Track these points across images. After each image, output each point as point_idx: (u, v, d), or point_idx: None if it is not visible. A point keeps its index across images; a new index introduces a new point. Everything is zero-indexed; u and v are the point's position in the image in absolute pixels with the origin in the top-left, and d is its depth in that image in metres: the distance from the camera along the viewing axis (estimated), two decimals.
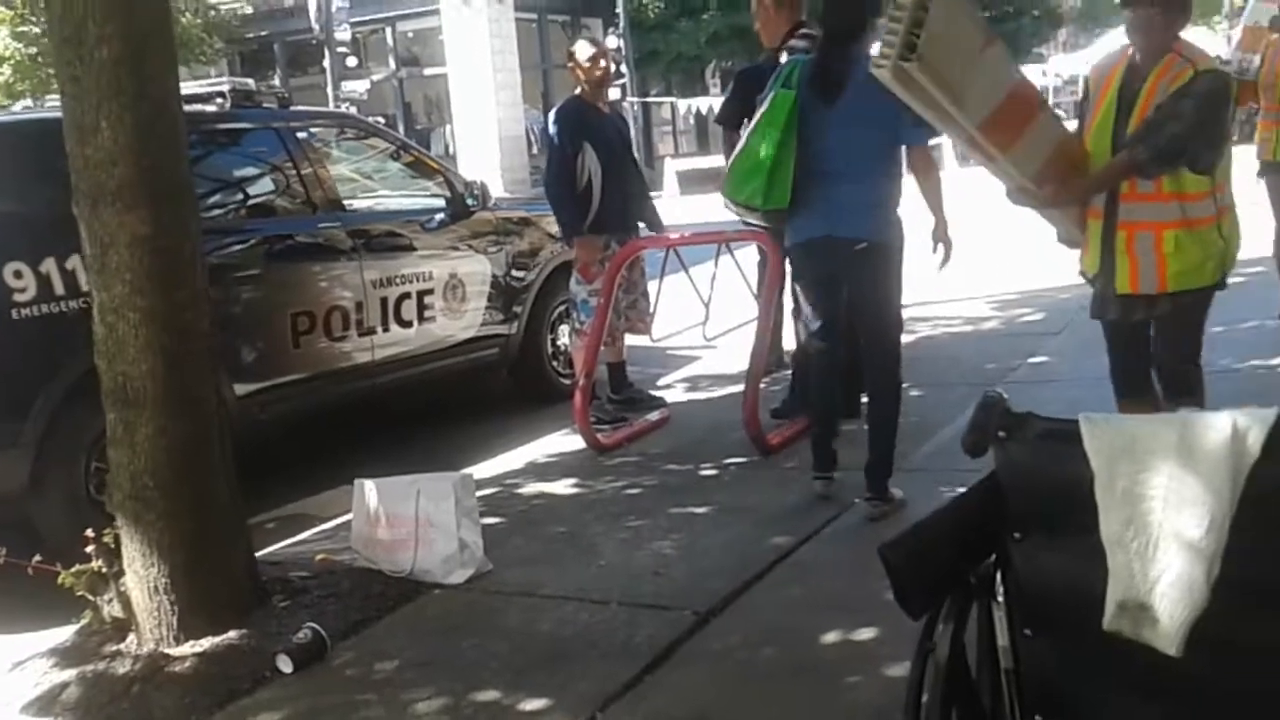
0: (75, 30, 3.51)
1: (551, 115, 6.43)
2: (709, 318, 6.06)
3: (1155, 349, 3.93)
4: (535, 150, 25.47)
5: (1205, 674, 1.68)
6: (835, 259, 4.51)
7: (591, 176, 6.10)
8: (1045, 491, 1.78)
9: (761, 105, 4.59)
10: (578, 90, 6.37)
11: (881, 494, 4.46)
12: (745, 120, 5.54)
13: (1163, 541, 1.65)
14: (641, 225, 6.47)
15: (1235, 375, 5.69)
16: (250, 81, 6.82)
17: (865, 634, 3.43)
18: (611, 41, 28.51)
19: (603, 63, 6.23)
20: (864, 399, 4.91)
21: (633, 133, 24.44)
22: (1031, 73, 30.96)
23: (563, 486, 5.24)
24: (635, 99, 27.11)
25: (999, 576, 1.84)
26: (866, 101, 4.20)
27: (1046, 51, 40.14)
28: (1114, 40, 27.04)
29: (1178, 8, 3.63)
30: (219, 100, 6.02)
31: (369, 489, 4.32)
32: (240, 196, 6.14)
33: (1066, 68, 29.44)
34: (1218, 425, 1.64)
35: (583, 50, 6.28)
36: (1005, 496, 1.79)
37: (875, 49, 3.72)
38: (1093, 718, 1.79)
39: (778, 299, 5.82)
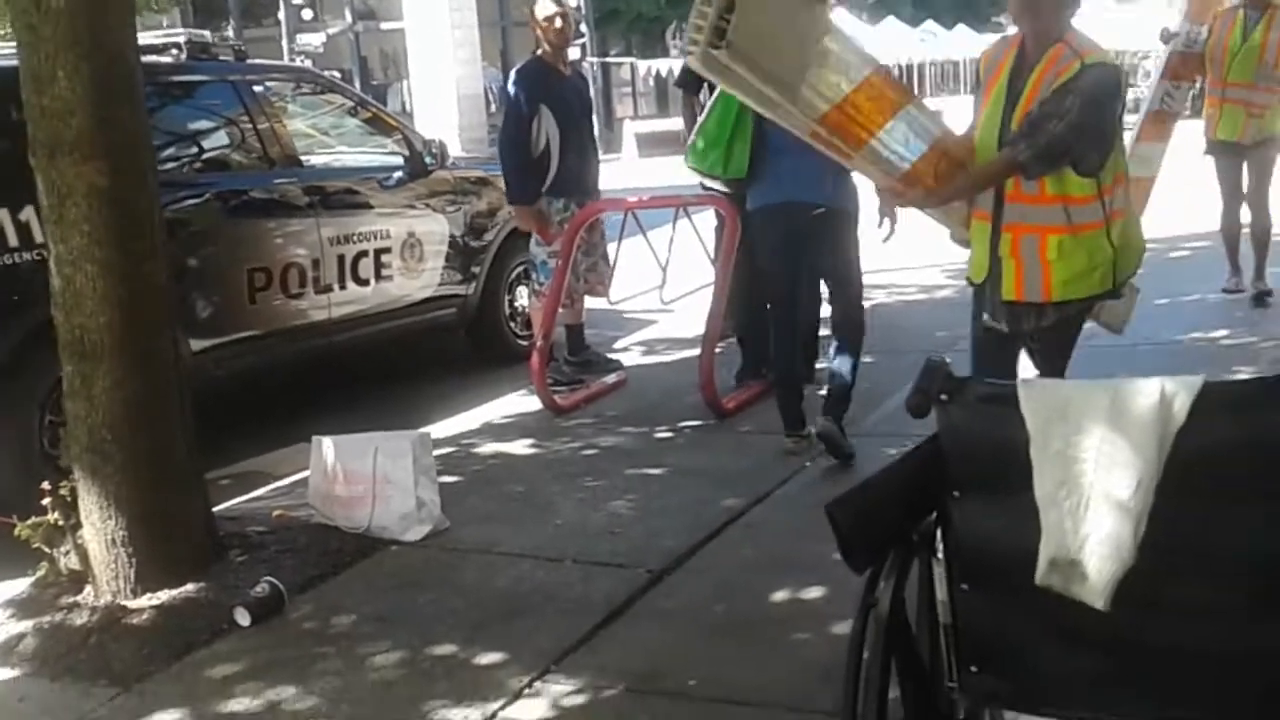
0: None
1: (511, 75, 6.41)
2: (666, 281, 6.11)
3: (1035, 363, 3.68)
4: (493, 109, 25.27)
5: (1131, 629, 1.77)
6: (795, 224, 4.61)
7: (549, 140, 6.09)
8: (984, 452, 1.85)
9: None
10: (538, 50, 6.36)
11: (838, 420, 4.69)
12: (705, 85, 5.57)
13: (1093, 501, 1.73)
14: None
15: (1177, 347, 5.83)
16: (206, 33, 6.75)
17: (813, 593, 3.52)
18: (571, 0, 28.30)
19: (560, 22, 6.20)
20: (820, 363, 5.03)
21: (592, 94, 24.27)
22: (989, 42, 31.27)
23: (520, 447, 5.29)
24: (595, 59, 26.95)
25: (939, 534, 1.91)
26: None
27: (1005, 21, 40.34)
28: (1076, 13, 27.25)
29: None
30: (174, 52, 5.95)
31: (327, 446, 4.34)
32: (195, 150, 6.09)
33: None
34: (1147, 391, 1.72)
35: (542, 8, 6.24)
36: (946, 457, 1.87)
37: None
38: (1025, 669, 1.88)
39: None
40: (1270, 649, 1.71)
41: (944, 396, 1.85)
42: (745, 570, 3.78)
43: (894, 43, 28.98)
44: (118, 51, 3.66)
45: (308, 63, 24.66)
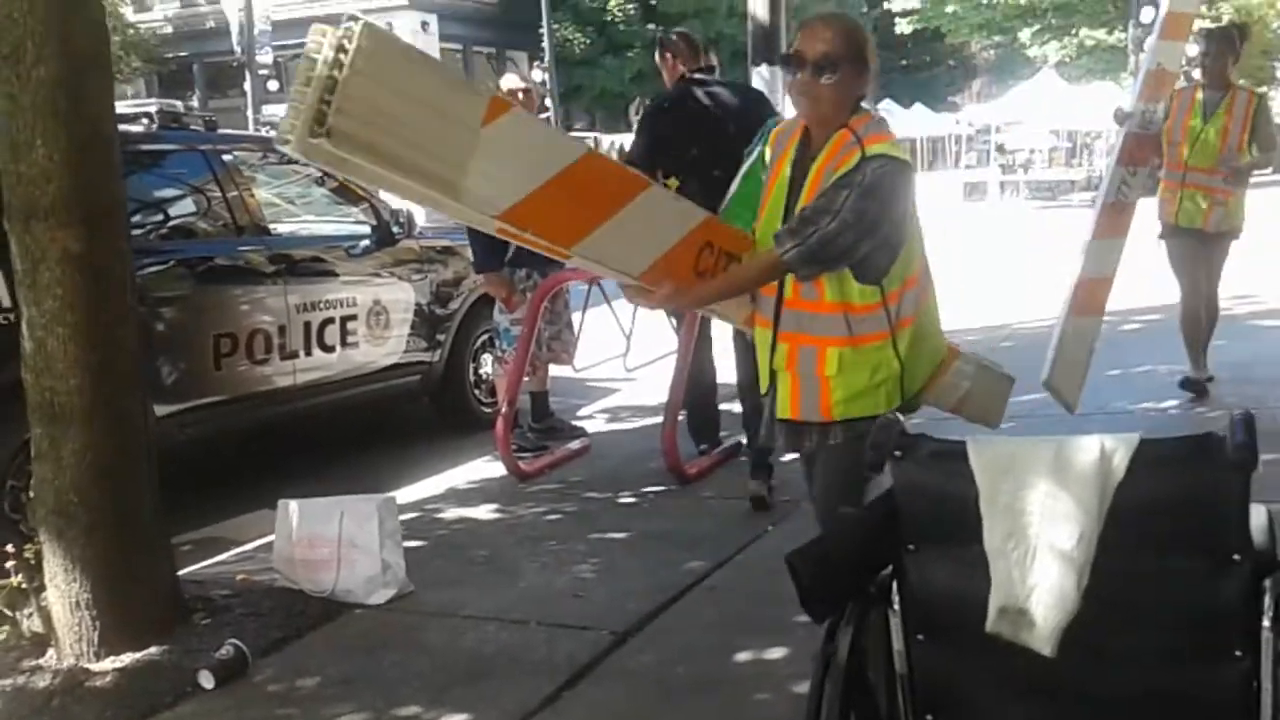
0: (14, 49, 3.55)
1: None
2: (630, 349, 6.21)
3: (812, 492, 3.25)
4: None
5: (1076, 675, 1.85)
6: None
7: None
8: (936, 506, 1.94)
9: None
10: None
11: None
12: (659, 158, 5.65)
13: (1039, 552, 1.83)
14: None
15: (1129, 418, 5.97)
16: (178, 103, 6.86)
17: (774, 653, 3.58)
18: (537, 75, 28.76)
19: (522, 98, 6.35)
20: None
21: None
22: (944, 122, 31.93)
23: (484, 512, 5.33)
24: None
25: (895, 586, 1.99)
26: None
27: (961, 101, 41.33)
28: (1026, 92, 28.06)
29: (851, 73, 2.89)
30: (145, 121, 6.05)
31: (293, 509, 4.37)
32: (164, 217, 6.14)
33: (980, 117, 30.32)
34: (1088, 447, 1.82)
35: (506, 83, 6.42)
36: (900, 511, 1.96)
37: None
38: (978, 717, 1.96)
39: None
40: (1205, 695, 1.79)
41: (898, 452, 1.94)
42: (708, 632, 3.84)
43: None
44: (96, 121, 3.74)
45: (273, 134, 24.87)
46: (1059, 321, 5.29)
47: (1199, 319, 6.44)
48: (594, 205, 3.06)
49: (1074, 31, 29.34)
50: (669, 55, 5.82)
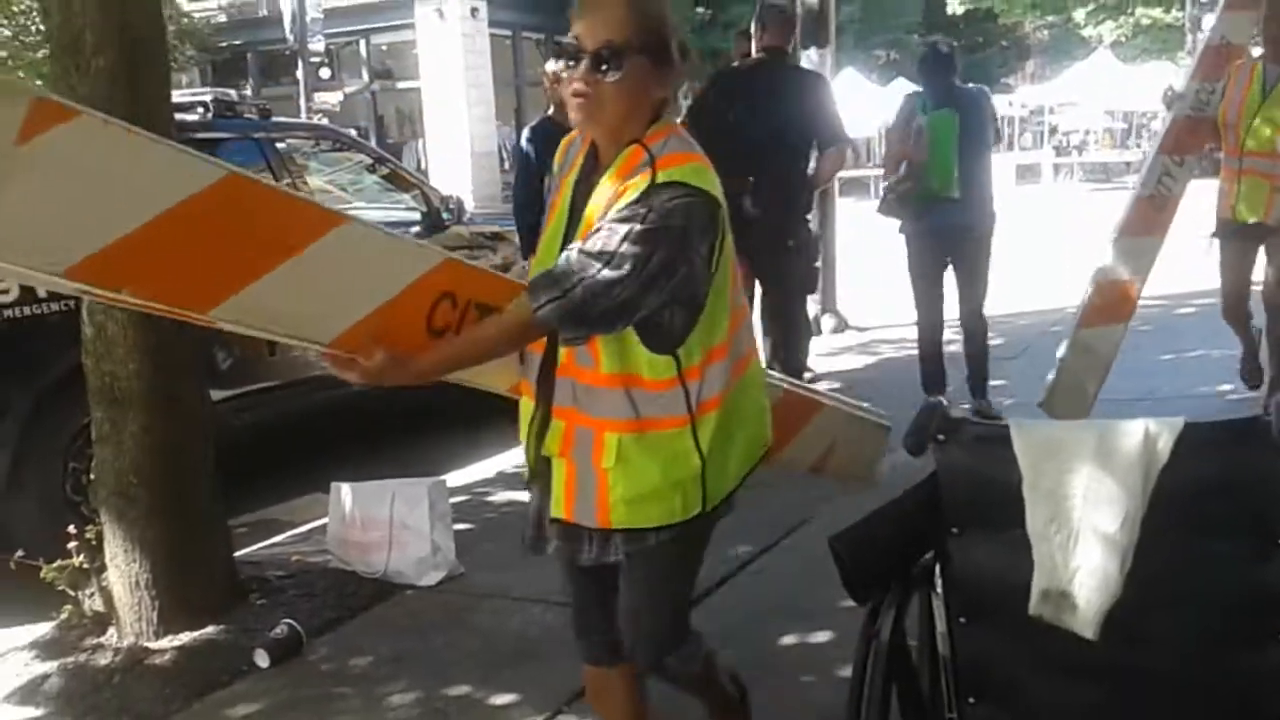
0: (73, 40, 3.63)
1: (524, 133, 6.59)
2: None
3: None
4: (507, 167, 25.61)
5: (1119, 659, 1.86)
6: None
7: None
8: (979, 490, 1.95)
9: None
10: (549, 109, 6.54)
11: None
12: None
13: (1082, 536, 1.83)
14: None
15: (1183, 404, 5.90)
16: (232, 92, 6.95)
17: (819, 637, 3.60)
18: None
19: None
20: None
21: None
22: (997, 104, 31.58)
23: None
24: None
25: (938, 569, 2.01)
26: None
27: (1014, 82, 40.80)
28: (1081, 73, 27.63)
29: (646, 68, 2.16)
30: (201, 110, 6.14)
31: (345, 492, 4.45)
32: None
33: (1033, 98, 29.94)
34: (1132, 431, 1.82)
35: (551, 67, 6.46)
36: (943, 494, 1.97)
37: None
38: (1021, 700, 1.97)
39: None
40: (1249, 679, 1.79)
41: (941, 436, 1.95)
42: (753, 616, 3.85)
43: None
44: (152, 110, 3.80)
45: (325, 121, 25.07)
46: (1065, 334, 4.95)
47: (1243, 314, 5.82)
48: (246, 249, 2.24)
49: (1130, 10, 28.84)
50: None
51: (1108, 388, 6.35)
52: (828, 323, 8.81)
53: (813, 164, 5.96)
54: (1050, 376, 4.77)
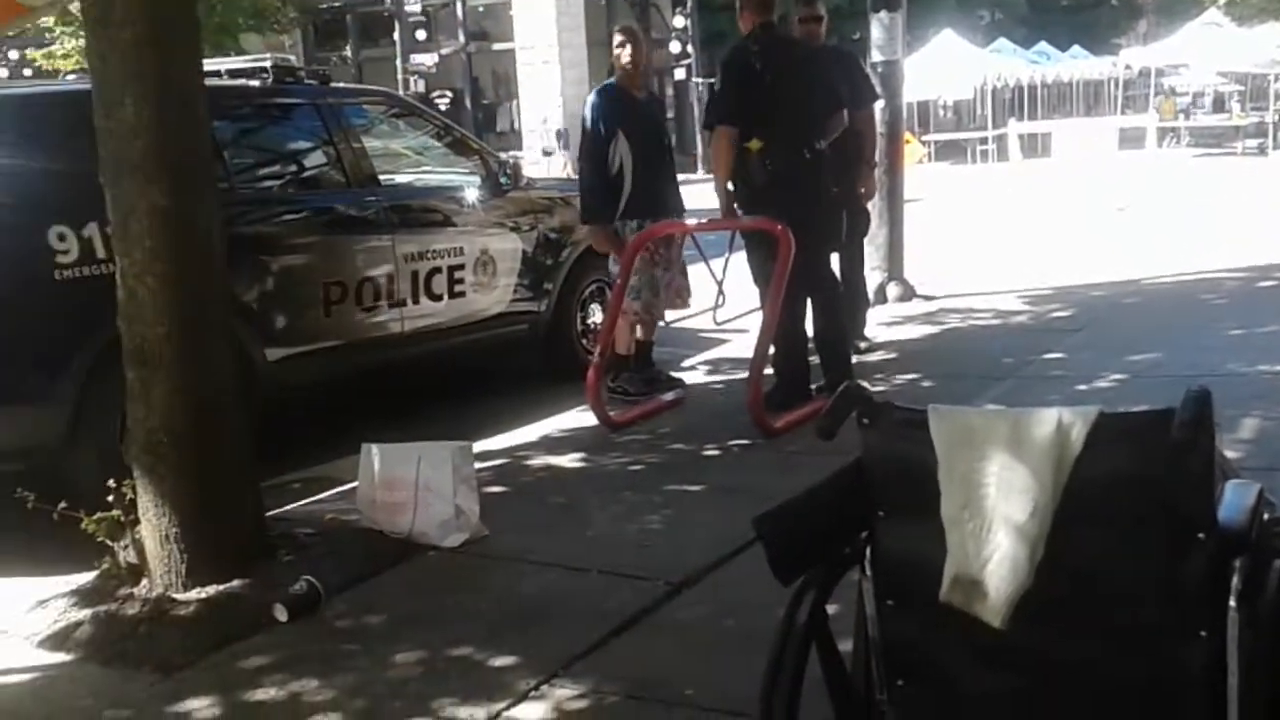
0: (103, 11, 3.75)
1: (588, 100, 6.61)
2: (723, 302, 6.22)
3: None
4: None
5: (1040, 647, 1.83)
6: None
7: (624, 163, 6.27)
8: (901, 474, 1.93)
9: None
10: (614, 76, 6.56)
11: None
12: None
13: (994, 524, 1.80)
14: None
15: (1239, 380, 5.71)
16: (292, 58, 7.08)
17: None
18: (679, 21, 28.57)
19: (629, 49, 6.38)
20: None
21: (696, 112, 24.37)
22: (1103, 65, 30.50)
23: (569, 460, 5.44)
24: (699, 79, 27.17)
25: (868, 551, 1.99)
26: None
27: (1125, 43, 39.49)
28: (1194, 33, 26.54)
29: None
30: (262, 75, 6.27)
31: (374, 453, 4.54)
32: (278, 169, 6.39)
33: (1138, 60, 28.92)
34: (1045, 420, 1.78)
35: (614, 37, 6.48)
36: (869, 477, 1.95)
37: None
38: (946, 683, 1.95)
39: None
40: (1172, 674, 1.75)
41: (865, 420, 1.93)
42: (763, 587, 3.78)
43: (1004, 65, 28.61)
44: (183, 79, 3.91)
45: (420, 82, 25.32)
46: None
47: None
48: None
49: None
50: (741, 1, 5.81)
51: (1162, 363, 6.20)
52: (893, 290, 8.70)
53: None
54: None
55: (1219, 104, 30.05)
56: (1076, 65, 30.47)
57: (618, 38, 6.45)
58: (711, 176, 6.15)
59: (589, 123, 6.40)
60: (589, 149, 6.40)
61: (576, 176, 7.00)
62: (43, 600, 4.10)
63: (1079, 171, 22.11)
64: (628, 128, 6.29)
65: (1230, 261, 9.53)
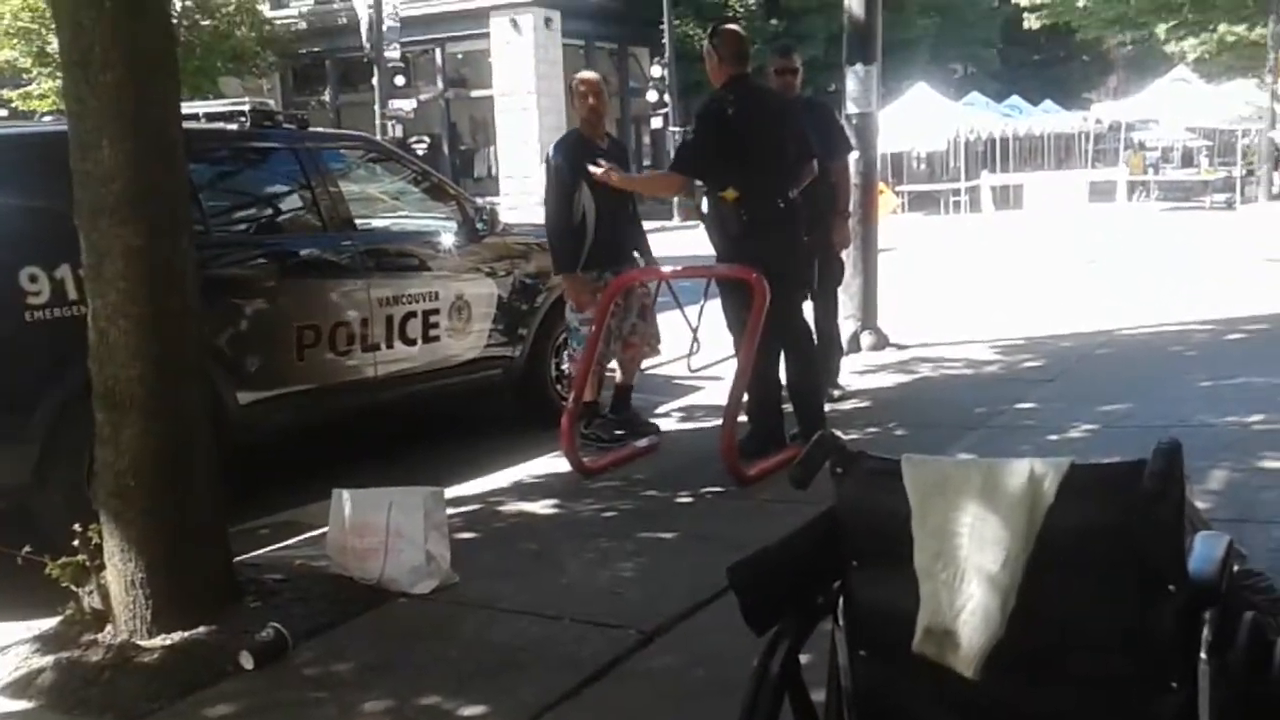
0: (83, 55, 3.74)
1: (551, 148, 6.63)
2: (698, 349, 6.23)
3: None
4: None
5: (1011, 698, 1.83)
6: None
7: (586, 212, 6.29)
8: (874, 523, 1.93)
9: None
10: (579, 124, 6.60)
11: None
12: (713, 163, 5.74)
13: (967, 574, 1.80)
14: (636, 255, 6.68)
15: (1208, 431, 5.76)
16: (271, 102, 7.12)
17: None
18: (657, 71, 28.86)
19: (590, 99, 6.43)
20: None
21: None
22: (1074, 119, 30.99)
23: (542, 506, 5.41)
24: (676, 129, 27.39)
25: (840, 601, 1.99)
26: None
27: (1096, 97, 40.10)
28: (1163, 89, 26.99)
29: None
30: (240, 119, 6.28)
31: (345, 499, 4.51)
32: (254, 212, 6.39)
33: (1108, 114, 29.37)
34: (1017, 470, 1.79)
35: (577, 86, 6.51)
36: (843, 527, 1.95)
37: None
38: None
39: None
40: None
41: (839, 469, 1.94)
42: (734, 636, 3.74)
43: (977, 118, 29.00)
44: (160, 123, 3.91)
45: (399, 127, 25.39)
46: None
47: None
48: None
49: (1212, 27, 28.20)
50: (716, 54, 5.85)
51: (1134, 413, 6.25)
52: (867, 339, 8.74)
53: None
54: None
55: (1188, 159, 30.54)
56: (1048, 119, 30.91)
57: (580, 87, 6.48)
58: (688, 223, 6.21)
59: (553, 171, 6.42)
60: (555, 199, 6.39)
61: None
62: (4, 646, 4.04)
63: (1050, 223, 22.38)
64: (588, 176, 6.29)
65: (1199, 314, 9.63)
